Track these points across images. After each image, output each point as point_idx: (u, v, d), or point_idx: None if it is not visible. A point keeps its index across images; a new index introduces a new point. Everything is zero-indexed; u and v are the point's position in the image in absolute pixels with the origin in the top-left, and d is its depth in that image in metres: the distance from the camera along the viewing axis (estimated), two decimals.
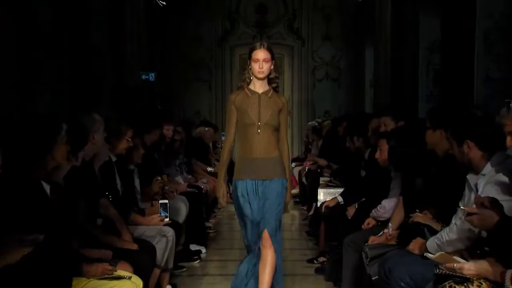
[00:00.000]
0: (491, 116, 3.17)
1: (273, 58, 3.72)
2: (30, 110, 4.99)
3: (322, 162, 7.09)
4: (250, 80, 3.72)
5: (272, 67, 3.71)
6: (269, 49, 3.69)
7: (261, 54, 3.66)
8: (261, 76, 3.67)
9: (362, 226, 4.20)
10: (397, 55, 8.39)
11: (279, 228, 3.66)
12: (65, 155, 2.90)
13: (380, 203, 4.18)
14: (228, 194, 3.98)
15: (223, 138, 10.60)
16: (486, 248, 2.62)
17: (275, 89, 3.76)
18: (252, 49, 3.70)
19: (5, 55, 4.81)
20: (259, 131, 3.62)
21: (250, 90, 3.71)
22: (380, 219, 4.15)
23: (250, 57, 3.69)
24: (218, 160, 9.19)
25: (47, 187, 2.89)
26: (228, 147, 3.77)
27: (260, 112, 3.64)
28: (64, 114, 4.73)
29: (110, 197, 3.84)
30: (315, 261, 5.34)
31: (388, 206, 4.10)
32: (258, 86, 3.71)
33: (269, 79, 3.73)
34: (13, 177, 2.56)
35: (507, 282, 2.14)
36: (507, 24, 5.23)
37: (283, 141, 3.78)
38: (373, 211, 4.22)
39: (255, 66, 3.65)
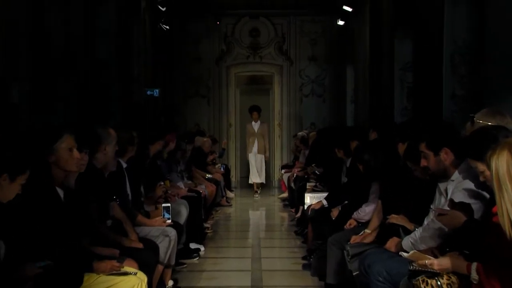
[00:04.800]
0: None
1: None
2: (46, 122, 4.98)
3: (310, 169, 7.08)
4: None
5: None
6: None
7: None
8: None
9: (345, 227, 4.20)
10: (374, 73, 8.43)
11: None
12: (74, 162, 2.89)
13: (361, 207, 4.18)
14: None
15: (221, 150, 10.74)
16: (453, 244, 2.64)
17: None
18: None
19: (22, 75, 4.81)
20: None
21: None
22: (361, 220, 4.16)
23: None
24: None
25: (61, 192, 2.88)
26: None
27: None
28: (77, 125, 4.72)
29: (118, 201, 3.81)
30: (308, 258, 5.17)
31: (368, 210, 4.11)
32: None
33: None
34: (31, 184, 2.54)
35: (473, 273, 2.15)
36: (468, 50, 5.36)
37: None
38: (354, 213, 4.22)
39: None
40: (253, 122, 10.72)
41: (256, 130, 10.65)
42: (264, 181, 10.78)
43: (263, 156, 10.65)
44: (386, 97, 7.63)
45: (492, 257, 2.06)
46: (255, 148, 10.57)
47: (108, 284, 2.79)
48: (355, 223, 4.18)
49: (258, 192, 10.47)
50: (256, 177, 10.53)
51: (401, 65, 7.27)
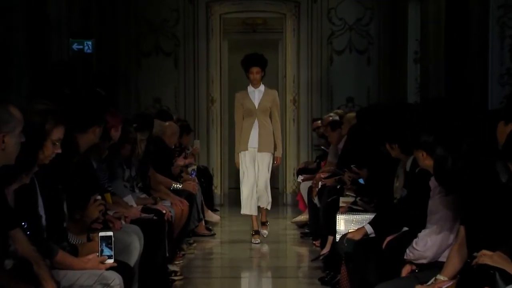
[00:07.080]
0: None
1: None
2: None
3: (347, 177, 7.09)
4: None
5: None
6: None
7: None
8: None
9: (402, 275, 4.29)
10: (455, 15, 8.45)
11: None
12: None
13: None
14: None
15: (196, 142, 10.61)
16: None
17: None
18: None
19: None
20: None
21: None
22: (420, 261, 4.22)
23: None
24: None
25: None
26: None
27: None
28: None
29: (28, 230, 3.84)
30: None
31: (430, 241, 4.17)
32: None
33: None
34: None
35: None
36: None
37: None
38: (407, 251, 4.29)
39: None
40: (249, 88, 8.80)
41: (257, 104, 8.76)
42: (269, 205, 9.03)
43: (270, 156, 8.85)
44: (475, 53, 7.63)
45: None
46: (253, 139, 8.75)
47: None
48: (412, 267, 4.26)
49: (265, 232, 8.98)
50: (260, 201, 8.81)
51: (502, 1, 7.26)
